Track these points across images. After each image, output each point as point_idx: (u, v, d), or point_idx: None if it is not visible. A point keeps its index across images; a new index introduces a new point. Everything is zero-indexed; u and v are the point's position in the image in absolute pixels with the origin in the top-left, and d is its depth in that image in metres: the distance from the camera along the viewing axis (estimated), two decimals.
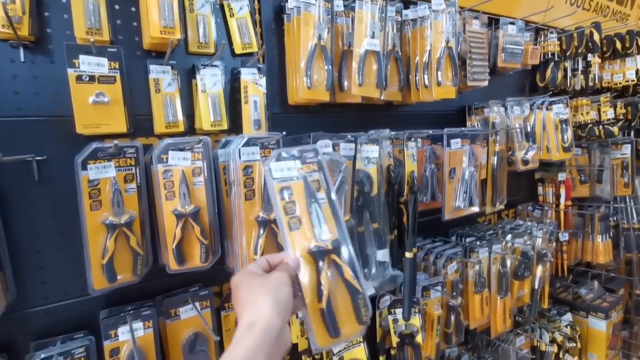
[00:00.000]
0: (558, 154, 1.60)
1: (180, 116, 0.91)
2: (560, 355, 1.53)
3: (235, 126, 0.99)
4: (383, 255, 1.03)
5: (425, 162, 1.31)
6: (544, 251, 1.50)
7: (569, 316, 1.68)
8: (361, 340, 0.93)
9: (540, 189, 1.83)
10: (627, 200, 2.05)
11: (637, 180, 2.03)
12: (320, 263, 0.63)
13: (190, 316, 0.91)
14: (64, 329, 0.82)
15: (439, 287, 1.16)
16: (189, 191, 0.83)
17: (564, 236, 1.78)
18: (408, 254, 1.03)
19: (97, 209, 0.76)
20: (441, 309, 1.17)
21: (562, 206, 1.75)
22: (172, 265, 0.84)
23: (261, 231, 0.86)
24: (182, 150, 0.83)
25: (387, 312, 1.07)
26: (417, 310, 1.04)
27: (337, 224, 0.68)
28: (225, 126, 0.95)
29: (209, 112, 0.93)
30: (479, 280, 1.30)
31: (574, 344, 1.56)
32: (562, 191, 1.75)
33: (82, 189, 0.74)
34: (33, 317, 0.80)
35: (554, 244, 1.69)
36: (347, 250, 0.66)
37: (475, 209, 1.35)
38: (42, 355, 0.73)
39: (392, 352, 1.12)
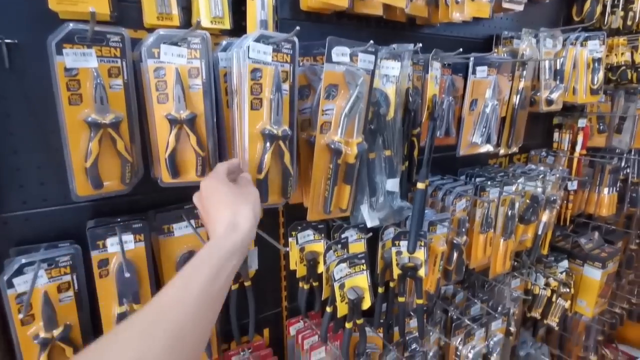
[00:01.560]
0: (585, 96, 1.49)
1: (175, 7, 0.77)
2: (553, 299, 1.55)
3: (238, 28, 0.86)
4: (393, 184, 0.96)
5: (442, 93, 1.20)
6: (553, 197, 1.45)
7: (565, 263, 1.68)
8: (364, 268, 0.88)
9: (556, 135, 1.74)
10: None
11: None
12: (268, 144, 0.76)
13: (185, 234, 0.85)
14: (47, 238, 0.75)
15: (446, 223, 1.11)
16: (184, 94, 0.72)
17: (572, 185, 1.72)
18: (420, 185, 0.96)
19: (77, 104, 0.65)
20: (446, 245, 1.13)
21: (576, 154, 1.67)
22: (165, 177, 0.76)
23: (267, 145, 0.76)
24: (176, 45, 0.71)
25: (391, 244, 1.03)
26: (422, 244, 1.00)
27: (291, 118, 0.79)
28: (227, 25, 0.82)
29: (209, 5, 0.79)
30: (486, 220, 1.25)
31: (568, 290, 1.57)
32: (580, 138, 1.66)
33: (59, 78, 0.63)
34: (11, 222, 0.73)
35: (563, 192, 1.63)
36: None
37: (490, 147, 1.27)
38: (23, 261, 0.68)
39: (392, 284, 1.10)
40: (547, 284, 1.56)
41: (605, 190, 1.84)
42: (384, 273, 1.09)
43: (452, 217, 1.18)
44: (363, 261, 0.89)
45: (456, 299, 1.39)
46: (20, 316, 0.69)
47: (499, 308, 1.35)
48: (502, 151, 1.40)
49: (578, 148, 1.68)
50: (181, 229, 0.85)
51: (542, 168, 1.52)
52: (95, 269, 0.75)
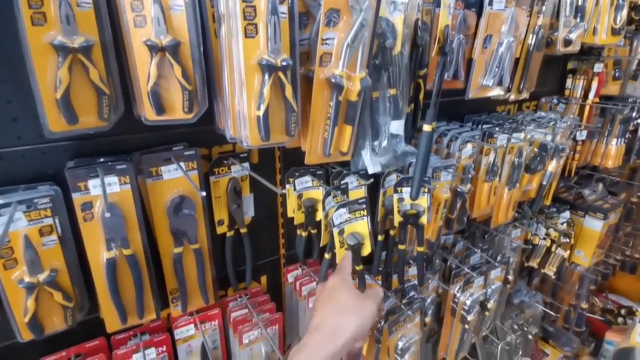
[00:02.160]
0: (605, 37, 1.38)
1: None
2: (552, 249, 1.55)
3: None
4: (398, 127, 0.90)
5: (453, 30, 1.09)
6: (562, 146, 1.39)
7: (567, 214, 1.66)
8: (365, 213, 0.84)
9: (569, 82, 1.64)
10: None
11: None
12: (266, 76, 0.67)
13: (175, 177, 0.80)
14: (24, 180, 0.70)
15: (451, 170, 1.06)
16: (164, 16, 0.63)
17: (581, 135, 1.66)
18: (426, 127, 0.89)
19: (40, 24, 0.57)
20: (449, 193, 1.08)
21: (589, 102, 1.59)
22: (149, 114, 0.69)
23: (266, 78, 0.68)
24: None
25: (393, 191, 0.98)
26: (426, 190, 0.95)
27: (292, 46, 0.70)
28: None
29: None
30: (492, 168, 1.20)
31: (568, 240, 1.56)
32: (594, 85, 1.57)
33: None
34: None
35: (571, 141, 1.57)
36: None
37: (501, 91, 1.19)
38: (0, 202, 0.63)
39: (392, 232, 1.07)
40: (547, 235, 1.55)
41: (614, 141, 1.79)
42: (385, 221, 1.06)
43: (458, 164, 1.12)
44: (364, 206, 0.84)
45: (456, 248, 1.38)
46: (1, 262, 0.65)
47: (499, 257, 1.34)
48: (512, 97, 1.32)
49: (591, 95, 1.59)
50: (170, 172, 0.79)
51: (552, 115, 1.45)
52: (78, 212, 0.70)
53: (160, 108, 0.68)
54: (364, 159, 0.94)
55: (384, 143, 0.91)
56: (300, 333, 1.12)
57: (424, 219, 0.98)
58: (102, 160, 0.73)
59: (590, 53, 1.62)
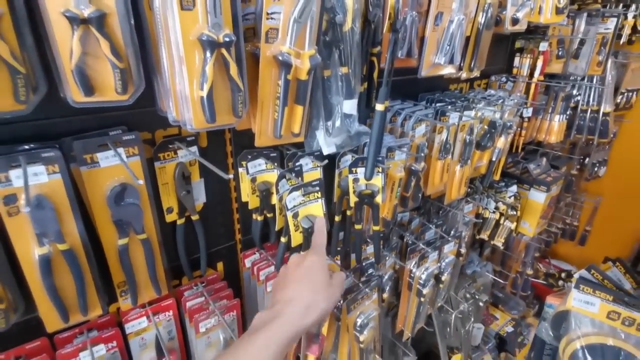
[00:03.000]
0: (549, 16, 1.43)
1: None
2: (501, 222, 1.63)
3: None
4: (351, 106, 0.88)
5: (406, 6, 1.08)
6: (510, 123, 1.44)
7: (514, 188, 1.75)
8: (319, 195, 0.83)
9: (517, 60, 1.70)
10: (595, 80, 2.01)
11: (610, 60, 1.97)
12: (208, 53, 0.63)
13: (113, 164, 0.74)
14: None
15: (405, 149, 1.07)
16: None
17: (527, 112, 1.74)
18: (379, 106, 0.88)
19: None
20: (403, 172, 1.10)
21: (534, 79, 1.66)
22: (76, 95, 0.62)
23: (208, 55, 0.64)
24: None
25: (348, 172, 0.98)
26: (380, 170, 0.95)
27: (234, 20, 0.66)
28: None
29: None
30: (445, 146, 1.23)
31: (515, 213, 1.66)
32: (539, 63, 1.64)
33: None
34: None
35: (517, 118, 1.64)
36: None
37: (452, 69, 1.20)
38: None
39: (349, 212, 1.07)
40: (496, 208, 1.63)
41: (557, 117, 1.89)
42: (341, 201, 1.06)
43: (411, 143, 1.13)
44: (317, 188, 0.83)
45: (412, 225, 1.42)
46: None
47: (452, 232, 1.39)
48: (464, 75, 1.35)
49: (537, 73, 1.66)
50: (108, 159, 0.73)
51: (501, 94, 1.50)
52: (0, 207, 0.63)
53: (88, 88, 0.62)
54: (318, 140, 0.93)
55: (338, 123, 0.90)
56: None
57: (378, 199, 0.99)
58: (25, 147, 0.65)
59: (536, 32, 1.67)
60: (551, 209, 2.00)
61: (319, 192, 0.83)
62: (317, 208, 0.84)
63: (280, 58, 0.71)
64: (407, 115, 1.12)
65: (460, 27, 1.08)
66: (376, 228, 1.04)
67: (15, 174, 0.63)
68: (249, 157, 0.94)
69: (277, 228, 0.91)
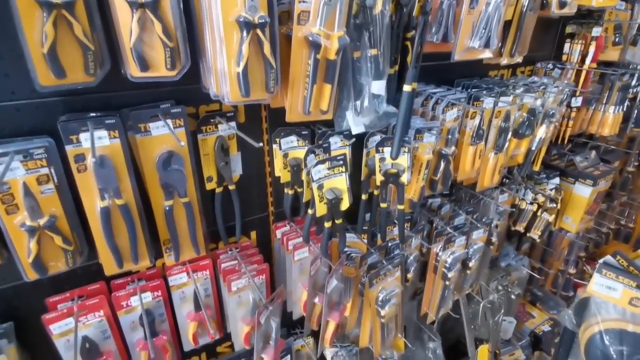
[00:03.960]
0: (602, 0, 1.35)
1: None
2: (538, 213, 1.59)
3: None
4: (379, 87, 0.92)
5: None
6: (553, 111, 1.39)
7: (556, 180, 1.68)
8: (343, 170, 0.89)
9: (566, 47, 1.62)
10: None
11: None
12: (245, 33, 0.70)
13: (162, 133, 0.84)
14: (20, 133, 0.75)
15: (434, 132, 1.08)
16: None
17: (576, 101, 1.65)
18: (407, 87, 0.92)
19: None
20: (432, 155, 1.12)
21: (585, 67, 1.57)
22: (134, 71, 0.72)
23: (244, 35, 0.71)
24: None
25: (375, 151, 1.02)
26: (406, 150, 0.98)
27: (270, 3, 0.72)
28: None
29: None
30: (478, 132, 1.22)
31: (555, 205, 1.60)
32: (591, 49, 1.55)
33: None
34: None
35: (564, 108, 1.57)
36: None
37: (489, 53, 1.19)
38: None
39: (376, 192, 1.11)
40: (534, 199, 1.58)
41: (611, 108, 1.77)
42: (368, 181, 1.10)
43: (442, 127, 1.15)
44: (342, 162, 0.88)
45: (442, 210, 1.43)
46: (4, 207, 0.71)
47: (483, 219, 1.38)
48: (504, 61, 1.32)
49: (588, 60, 1.57)
50: (158, 129, 0.84)
51: (545, 80, 1.45)
52: (72, 164, 0.75)
53: (144, 65, 0.72)
54: (347, 120, 0.98)
55: (366, 103, 0.94)
56: (287, 284, 1.19)
57: (404, 178, 1.02)
58: (92, 115, 0.77)
59: (590, 16, 1.58)
60: (598, 205, 1.89)
61: (343, 167, 0.89)
62: (341, 181, 0.89)
63: (310, 38, 0.76)
64: (438, 99, 1.13)
65: (497, 9, 1.07)
66: (401, 207, 1.07)
67: (84, 137, 0.75)
68: (282, 134, 1.01)
69: (304, 200, 0.98)
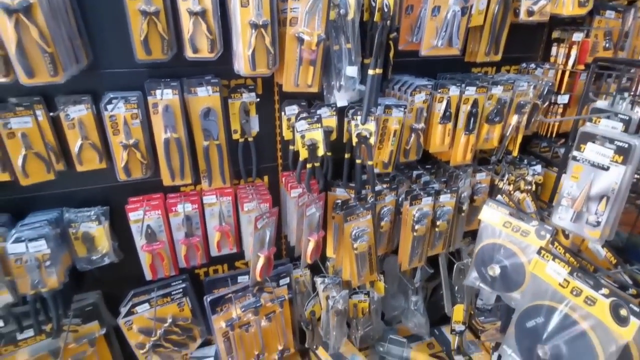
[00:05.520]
0: (572, 9, 1.59)
1: None
2: (513, 193, 1.81)
3: None
4: (352, 71, 1.30)
5: (422, 1, 1.43)
6: (523, 102, 1.65)
7: (538, 168, 1.89)
8: (319, 126, 1.28)
9: (554, 50, 1.84)
10: None
11: None
12: (253, 30, 1.13)
13: (205, 95, 1.30)
14: (125, 88, 1.25)
15: (402, 109, 1.43)
16: None
17: (562, 99, 1.86)
18: (371, 71, 1.29)
19: None
20: (402, 127, 1.46)
21: (568, 67, 1.78)
22: (189, 53, 1.19)
23: (253, 31, 1.15)
24: None
25: (351, 119, 1.40)
26: (373, 118, 1.35)
27: (271, 12, 1.16)
28: None
29: None
30: (445, 113, 1.53)
31: (530, 187, 1.82)
32: (573, 52, 1.76)
33: None
34: (105, 76, 1.23)
35: (545, 103, 1.79)
36: None
37: (456, 52, 1.49)
38: (111, 95, 1.19)
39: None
40: (510, 181, 1.82)
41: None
42: (351, 143, 1.47)
43: (412, 107, 1.49)
44: (316, 119, 1.28)
45: (421, 180, 1.74)
46: (112, 130, 1.22)
47: (453, 188, 1.67)
48: (479, 59, 1.62)
49: (571, 62, 1.78)
50: (202, 92, 1.30)
51: (521, 77, 1.70)
52: (150, 108, 1.24)
53: (195, 49, 1.18)
54: (334, 96, 1.38)
55: (343, 82, 1.33)
56: (288, 221, 1.61)
57: (371, 140, 1.38)
58: (164, 80, 1.25)
59: (575, 23, 1.79)
60: None
61: (319, 124, 1.28)
62: (317, 134, 1.29)
63: (297, 35, 1.18)
64: (409, 84, 1.48)
65: (455, 17, 1.39)
66: (370, 163, 1.43)
67: (158, 92, 1.23)
68: (287, 104, 1.43)
69: (295, 149, 1.39)
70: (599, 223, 0.91)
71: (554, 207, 1.03)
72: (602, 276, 0.88)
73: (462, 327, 1.92)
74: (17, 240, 1.16)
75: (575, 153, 1.00)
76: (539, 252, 0.95)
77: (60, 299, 1.29)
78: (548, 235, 1.00)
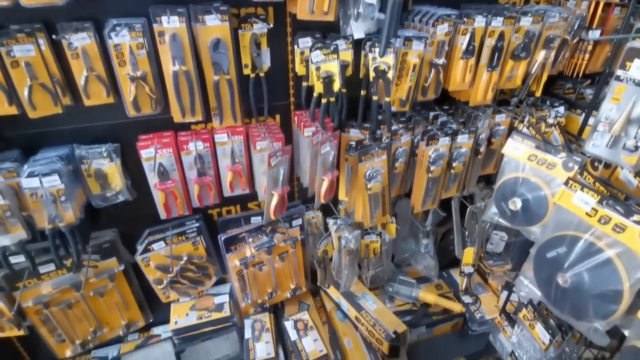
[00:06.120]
0: None
1: None
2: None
3: None
4: None
5: None
6: (553, 37, 1.54)
7: (561, 109, 1.81)
8: (335, 57, 1.21)
9: None
10: None
11: None
12: None
13: (214, 24, 1.22)
14: (127, 14, 1.17)
15: (422, 41, 1.34)
16: None
17: (593, 34, 1.73)
18: None
19: None
20: (421, 62, 1.38)
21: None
22: None
23: None
24: None
25: (369, 51, 1.31)
26: (392, 50, 1.27)
27: None
28: None
29: None
30: (468, 47, 1.44)
31: (552, 129, 1.75)
32: None
33: None
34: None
35: (575, 39, 1.67)
36: None
37: None
38: (114, 22, 1.12)
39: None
40: (530, 123, 1.75)
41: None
42: (367, 78, 1.40)
43: (433, 39, 1.39)
44: (332, 49, 1.20)
45: (439, 120, 1.68)
46: (117, 60, 1.16)
47: (471, 128, 1.61)
48: None
49: None
50: (211, 20, 1.22)
51: (554, 8, 1.57)
52: (157, 37, 1.17)
53: None
54: (351, 26, 1.28)
55: (361, 9, 1.23)
56: (301, 162, 1.58)
57: (390, 74, 1.31)
58: (170, 5, 1.17)
59: None
60: None
61: (335, 54, 1.21)
62: (333, 66, 1.22)
63: None
64: (431, 14, 1.37)
65: None
66: (387, 99, 1.37)
67: (164, 19, 1.15)
68: (301, 35, 1.35)
69: (309, 83, 1.33)
70: (637, 148, 0.86)
71: (589, 135, 0.98)
72: (634, 204, 0.86)
73: (471, 270, 1.94)
74: (31, 175, 1.15)
75: (619, 72, 0.94)
76: (566, 183, 0.92)
77: (78, 235, 1.31)
78: (576, 167, 0.96)
